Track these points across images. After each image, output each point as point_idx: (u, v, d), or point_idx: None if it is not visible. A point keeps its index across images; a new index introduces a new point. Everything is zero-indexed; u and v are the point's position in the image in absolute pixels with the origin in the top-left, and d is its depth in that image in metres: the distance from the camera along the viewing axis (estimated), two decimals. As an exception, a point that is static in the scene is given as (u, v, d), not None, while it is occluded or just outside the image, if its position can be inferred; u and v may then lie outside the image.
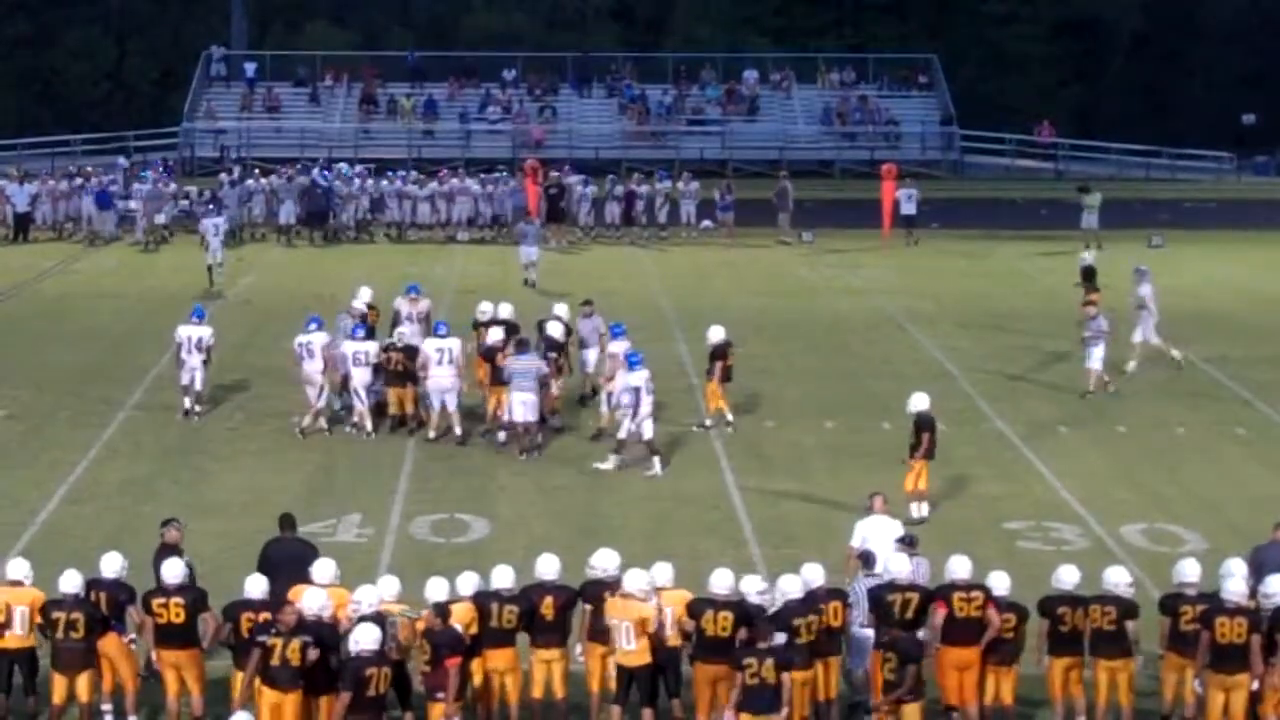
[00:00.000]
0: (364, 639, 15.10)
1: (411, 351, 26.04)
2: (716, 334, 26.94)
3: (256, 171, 50.01)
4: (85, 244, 45.46)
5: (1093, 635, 16.32)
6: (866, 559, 17.31)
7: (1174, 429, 27.72)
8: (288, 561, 17.10)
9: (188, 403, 27.29)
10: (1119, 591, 16.45)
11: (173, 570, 16.41)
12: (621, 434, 24.75)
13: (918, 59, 68.39)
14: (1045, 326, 34.63)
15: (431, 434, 25.97)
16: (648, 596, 16.09)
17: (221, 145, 61.82)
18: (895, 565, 16.65)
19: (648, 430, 24.66)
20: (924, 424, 22.58)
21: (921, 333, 34.75)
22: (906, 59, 68.71)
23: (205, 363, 27.16)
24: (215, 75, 66.71)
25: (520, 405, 25.08)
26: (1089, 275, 34.12)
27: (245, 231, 46.68)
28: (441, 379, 25.80)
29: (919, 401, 22.79)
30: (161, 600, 16.19)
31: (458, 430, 25.95)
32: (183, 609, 16.14)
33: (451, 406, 25.88)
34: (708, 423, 27.00)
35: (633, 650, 16.02)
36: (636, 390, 24.43)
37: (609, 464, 24.79)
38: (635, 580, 16.11)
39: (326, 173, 48.94)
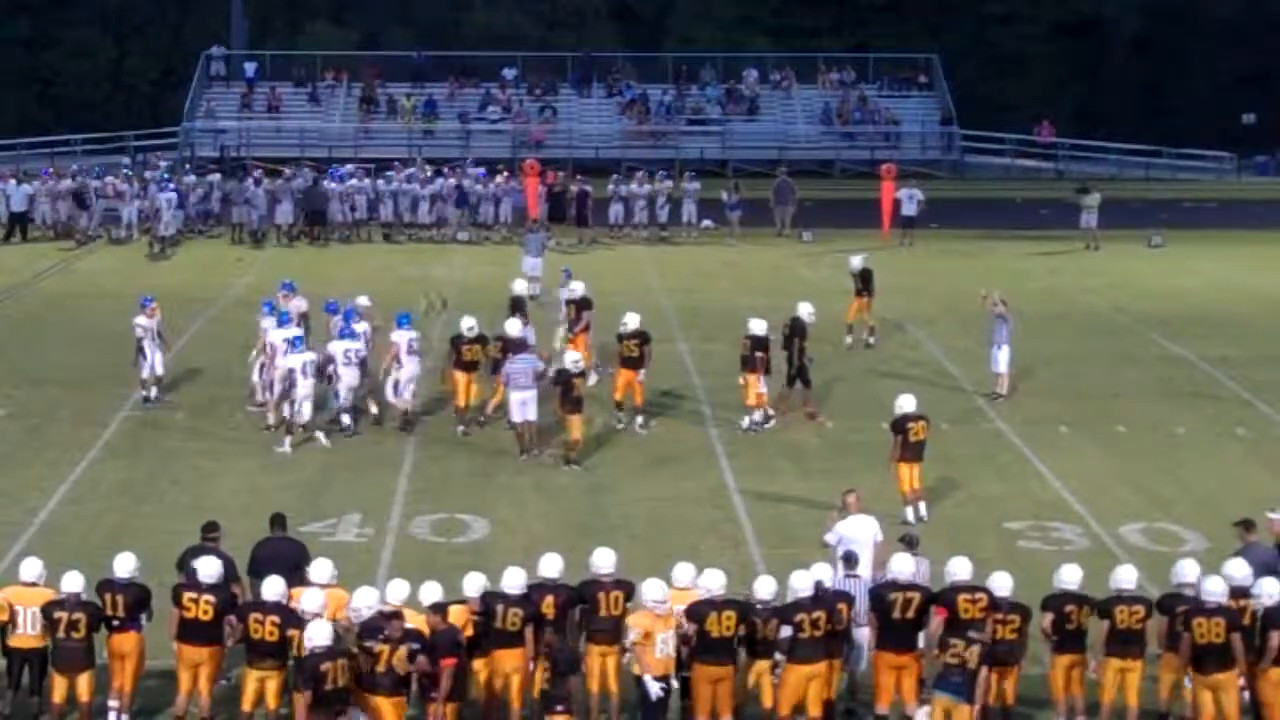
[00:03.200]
0: (317, 635, 15.19)
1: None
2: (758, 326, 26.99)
3: (258, 172, 49.92)
4: (152, 247, 44.47)
5: (1116, 635, 16.27)
6: (849, 559, 17.30)
7: (1174, 429, 27.73)
8: (274, 561, 17.11)
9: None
10: (1134, 590, 16.47)
11: (209, 569, 16.40)
12: (286, 414, 25.43)
13: (918, 59, 68.37)
14: (1045, 326, 34.61)
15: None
16: (663, 608, 15.95)
17: (222, 145, 61.81)
18: (899, 565, 16.64)
19: (306, 412, 25.32)
20: (894, 427, 22.66)
21: (921, 333, 34.76)
22: (906, 59, 68.69)
23: (152, 347, 27.64)
24: (215, 75, 66.71)
25: (519, 405, 25.13)
26: (865, 279, 33.11)
27: (240, 232, 46.64)
28: (351, 378, 26.11)
29: (904, 404, 22.84)
30: (193, 595, 16.18)
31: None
32: (212, 607, 16.14)
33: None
34: (759, 416, 27.02)
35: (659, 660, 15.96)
36: (291, 371, 25.17)
37: (284, 447, 25.31)
38: (653, 591, 15.99)
39: (334, 172, 49.05)
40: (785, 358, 27.47)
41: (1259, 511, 23.09)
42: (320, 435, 25.62)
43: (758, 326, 26.86)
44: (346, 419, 26.30)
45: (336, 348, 26.15)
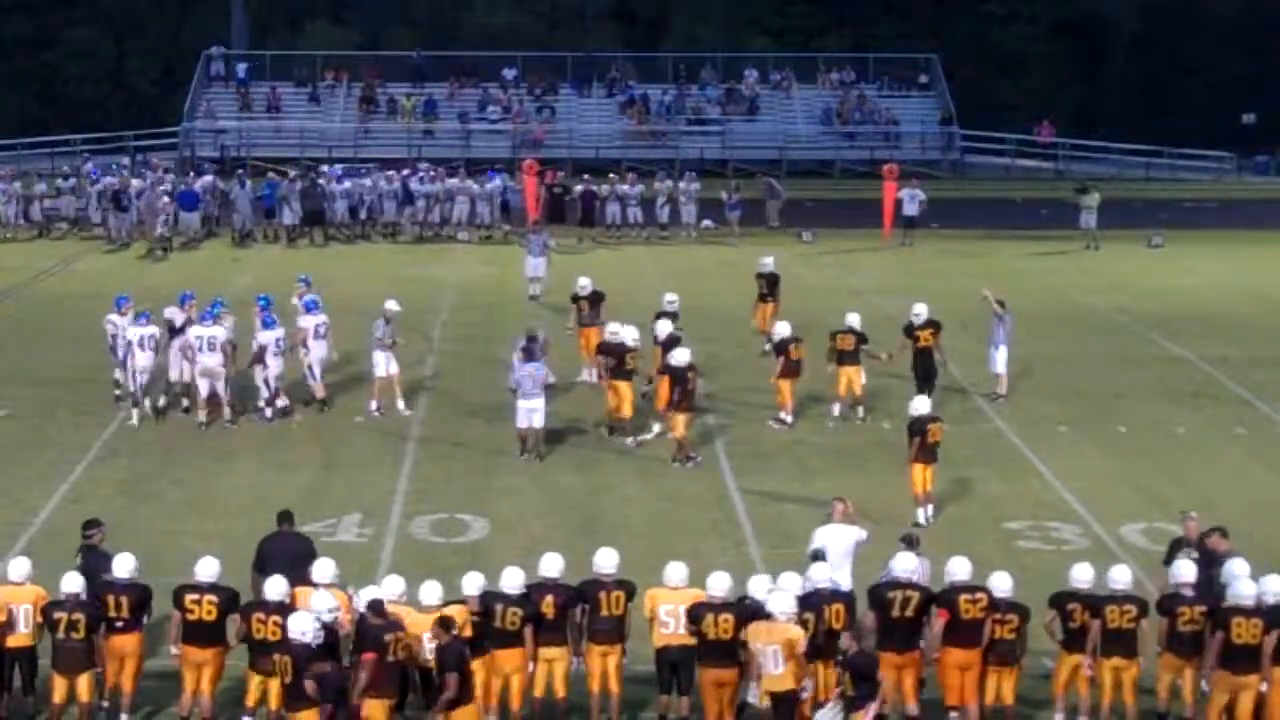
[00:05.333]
0: (295, 626, 15.22)
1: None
2: (783, 329, 27.23)
3: (240, 172, 49.65)
4: (153, 249, 43.97)
5: (1107, 634, 16.27)
6: (816, 557, 17.29)
7: (1174, 429, 27.73)
8: (283, 557, 17.12)
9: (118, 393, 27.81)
10: (1127, 590, 16.46)
11: (207, 568, 16.39)
12: (131, 387, 26.82)
13: (918, 59, 68.40)
14: (1045, 326, 34.61)
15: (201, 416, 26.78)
16: (792, 619, 15.82)
17: (222, 145, 61.81)
18: (901, 563, 16.66)
19: (133, 383, 26.66)
20: (912, 428, 22.57)
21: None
22: (906, 59, 68.71)
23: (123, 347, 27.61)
24: (215, 75, 66.71)
25: (525, 413, 24.97)
26: (772, 283, 32.48)
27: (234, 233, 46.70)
28: (278, 366, 26.93)
29: (917, 405, 22.84)
30: (195, 597, 16.16)
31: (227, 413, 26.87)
32: (215, 607, 16.13)
33: (220, 391, 26.75)
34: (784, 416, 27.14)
35: (778, 674, 15.60)
36: (129, 344, 26.63)
37: (134, 420, 26.60)
38: (780, 603, 15.83)
39: (330, 171, 49.09)
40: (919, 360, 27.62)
41: (1258, 511, 23.18)
42: (135, 414, 26.53)
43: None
44: (282, 401, 27.11)
45: (267, 337, 26.83)
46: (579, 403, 28.15)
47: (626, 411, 26.15)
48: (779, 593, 15.95)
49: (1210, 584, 16.81)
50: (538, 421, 25.07)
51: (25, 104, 70.95)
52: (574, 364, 29.63)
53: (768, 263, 33.11)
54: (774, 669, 15.55)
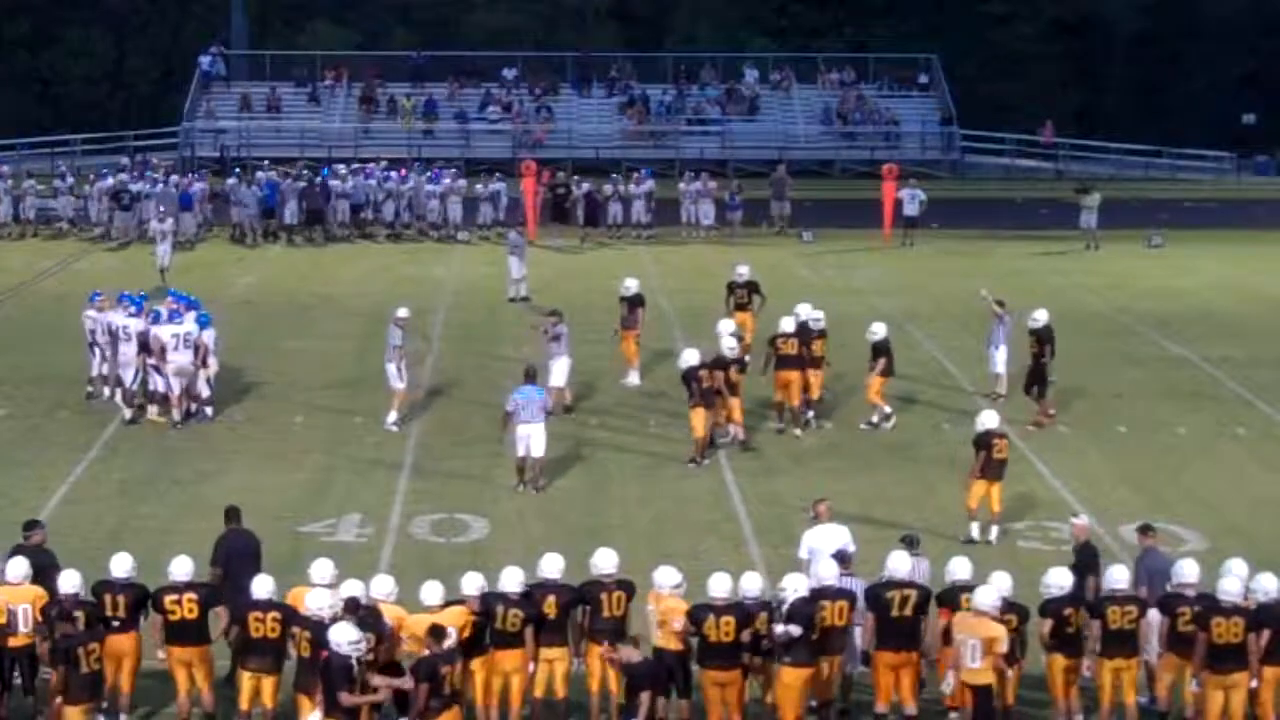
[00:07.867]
0: (338, 636, 15.06)
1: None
2: (879, 329, 27.27)
3: (261, 172, 49.77)
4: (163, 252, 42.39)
5: (1109, 635, 16.24)
6: (843, 558, 17.26)
7: (1174, 429, 27.73)
8: (244, 554, 17.30)
9: (118, 396, 27.40)
10: (1127, 590, 16.44)
11: (182, 567, 16.39)
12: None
13: (918, 59, 68.38)
14: (1045, 326, 34.57)
15: (176, 416, 26.67)
16: (998, 612, 15.78)
17: (222, 145, 61.80)
18: (895, 563, 16.64)
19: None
20: (977, 443, 22.08)
21: (921, 333, 34.73)
22: (906, 59, 68.69)
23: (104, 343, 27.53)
24: (215, 75, 66.70)
25: (524, 440, 23.74)
26: (754, 289, 31.34)
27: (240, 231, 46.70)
28: (180, 361, 26.59)
29: (986, 420, 22.27)
30: (174, 596, 16.16)
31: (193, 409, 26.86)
32: (195, 604, 16.14)
33: (194, 388, 26.84)
34: (875, 419, 27.17)
35: (977, 668, 15.63)
36: (93, 332, 27.21)
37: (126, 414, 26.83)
38: (987, 596, 15.80)
39: (326, 170, 49.12)
40: (1033, 365, 27.69)
41: (1258, 511, 23.17)
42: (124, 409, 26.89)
43: (878, 330, 27.21)
44: (210, 410, 27.09)
45: (207, 336, 26.81)
46: (580, 402, 28.14)
47: (737, 417, 25.84)
48: (985, 587, 15.94)
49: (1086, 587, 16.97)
50: (536, 449, 23.73)
51: (25, 104, 70.92)
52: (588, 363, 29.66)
53: (744, 272, 31.86)
54: (972, 662, 15.62)
